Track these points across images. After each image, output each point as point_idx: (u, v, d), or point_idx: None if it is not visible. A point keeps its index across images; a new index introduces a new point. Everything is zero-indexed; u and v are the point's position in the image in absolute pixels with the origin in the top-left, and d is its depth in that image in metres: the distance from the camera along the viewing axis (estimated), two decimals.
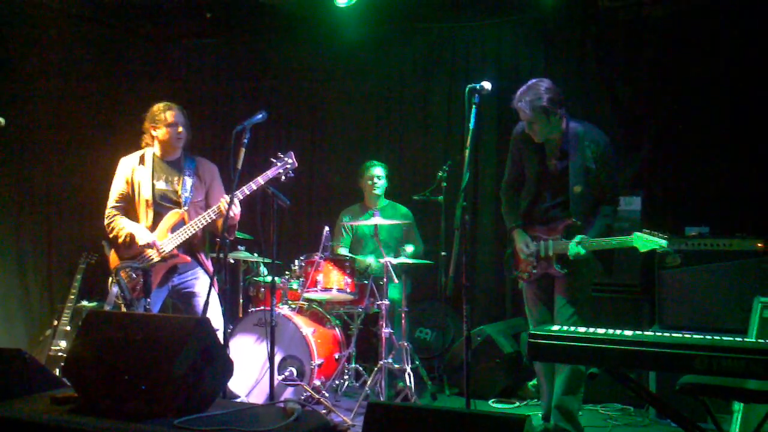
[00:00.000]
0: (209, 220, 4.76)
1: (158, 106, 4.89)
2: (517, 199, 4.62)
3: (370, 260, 5.94)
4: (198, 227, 4.77)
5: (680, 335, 2.79)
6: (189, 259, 4.85)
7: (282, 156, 4.83)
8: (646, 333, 2.85)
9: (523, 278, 4.55)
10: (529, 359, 2.99)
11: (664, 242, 4.04)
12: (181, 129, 4.87)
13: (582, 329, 2.94)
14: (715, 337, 2.74)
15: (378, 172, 6.27)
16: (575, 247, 4.22)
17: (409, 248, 6.07)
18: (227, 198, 4.60)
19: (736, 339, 2.71)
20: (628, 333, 2.84)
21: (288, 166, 4.82)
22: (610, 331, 2.88)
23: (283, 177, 4.82)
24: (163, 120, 4.84)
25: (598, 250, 4.29)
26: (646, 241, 4.07)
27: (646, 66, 6.24)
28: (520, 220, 4.56)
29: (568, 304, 4.35)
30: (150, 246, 4.69)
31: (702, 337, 2.75)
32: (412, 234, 6.31)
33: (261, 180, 4.73)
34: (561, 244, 4.31)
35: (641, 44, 6.25)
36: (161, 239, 4.74)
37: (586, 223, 4.32)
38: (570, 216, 4.33)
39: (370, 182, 6.27)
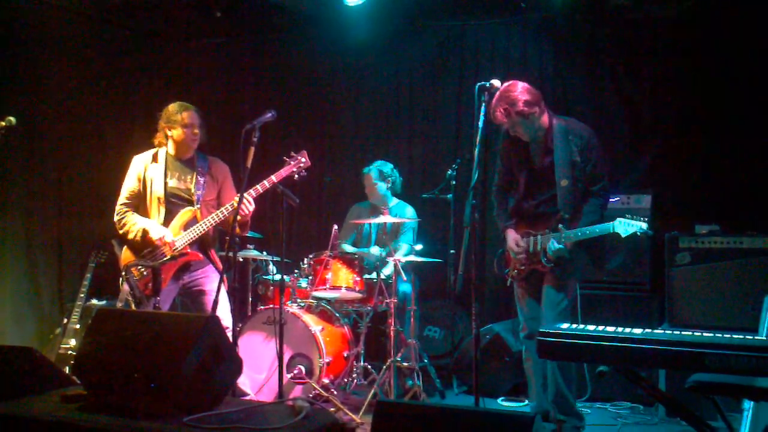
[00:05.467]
0: (222, 218, 4.78)
1: (174, 107, 4.91)
2: (508, 200, 4.70)
3: (373, 250, 5.94)
4: (210, 225, 4.79)
5: (690, 333, 2.78)
6: (201, 256, 4.87)
7: (295, 155, 4.85)
8: (656, 331, 2.84)
9: (513, 276, 4.61)
10: (540, 357, 2.99)
11: (644, 225, 4.14)
12: (197, 130, 4.89)
13: (592, 327, 2.93)
14: (726, 335, 2.72)
15: (368, 180, 6.22)
16: (552, 243, 4.29)
17: (404, 247, 6.05)
18: (244, 196, 4.64)
19: (747, 337, 2.70)
20: (638, 331, 2.83)
21: (301, 165, 4.83)
22: (620, 329, 2.88)
23: (296, 176, 4.84)
24: (180, 121, 4.86)
25: (587, 246, 4.32)
26: (626, 225, 4.16)
27: (656, 64, 6.21)
28: (511, 220, 4.64)
29: (551, 300, 4.40)
30: (163, 241, 4.70)
31: (712, 335, 2.74)
32: (407, 233, 6.26)
33: (274, 178, 4.75)
34: (548, 238, 4.36)
35: (651, 43, 6.22)
36: (174, 236, 4.75)
37: (575, 216, 4.36)
38: (558, 211, 4.37)
39: (366, 187, 6.26)
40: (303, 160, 4.84)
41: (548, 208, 4.45)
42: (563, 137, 4.37)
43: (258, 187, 4.73)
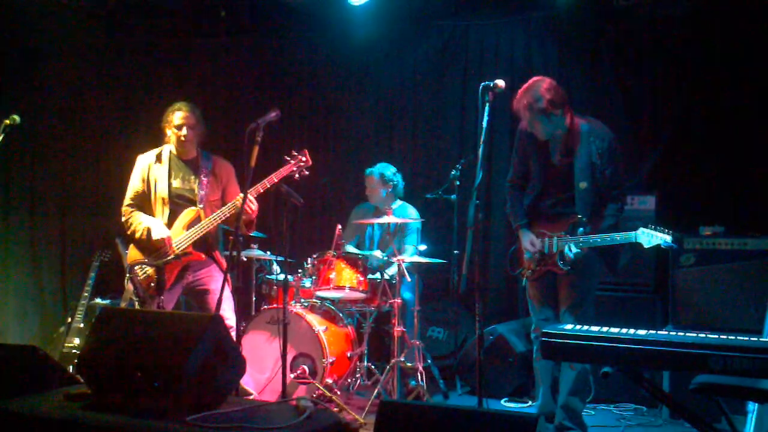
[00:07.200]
0: (223, 217, 4.78)
1: (171, 106, 4.93)
2: (522, 197, 4.61)
3: (377, 253, 5.93)
4: (212, 224, 4.79)
5: (694, 335, 2.77)
6: (204, 256, 4.86)
7: (296, 154, 4.85)
8: (660, 332, 2.84)
9: (527, 275, 4.54)
10: (543, 357, 2.98)
11: (669, 238, 4.05)
12: (185, 132, 4.87)
13: (595, 328, 2.92)
14: (730, 337, 2.71)
15: (369, 181, 6.19)
16: (569, 247, 4.25)
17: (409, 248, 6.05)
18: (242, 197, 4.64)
19: (751, 339, 2.69)
20: (642, 332, 2.82)
21: (301, 164, 4.83)
22: (624, 330, 2.87)
23: (297, 175, 4.84)
24: (171, 122, 4.88)
25: (602, 249, 4.29)
26: (650, 236, 4.08)
27: (660, 64, 6.20)
28: (526, 218, 4.56)
29: (572, 305, 4.35)
30: (164, 241, 4.70)
31: (716, 336, 2.73)
32: (411, 235, 6.24)
33: (275, 178, 4.74)
34: (565, 241, 4.31)
35: (656, 42, 6.21)
36: (177, 236, 4.75)
37: (592, 219, 4.31)
38: (575, 212, 4.32)
39: (367, 188, 6.25)
40: (303, 159, 4.83)
41: (565, 209, 4.39)
42: (585, 138, 4.30)
43: (258, 186, 4.72)
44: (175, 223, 4.80)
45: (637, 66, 6.31)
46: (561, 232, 4.36)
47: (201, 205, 4.86)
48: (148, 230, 4.75)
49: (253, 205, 4.74)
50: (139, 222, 4.81)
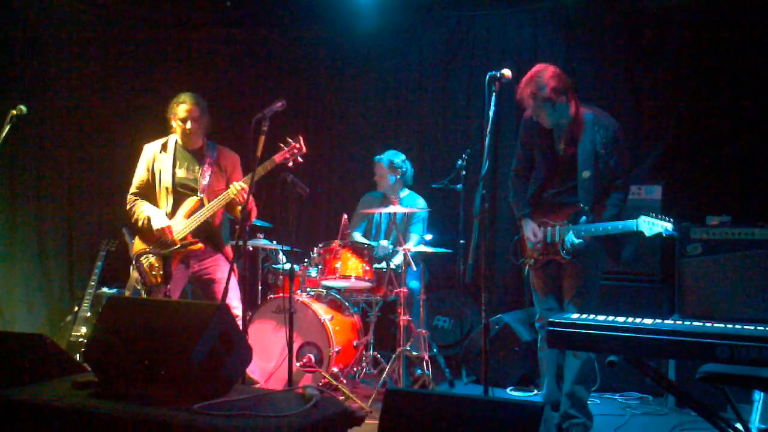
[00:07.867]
0: (220, 205, 4.76)
1: (176, 98, 4.91)
2: (526, 186, 4.59)
3: (383, 242, 5.93)
4: (211, 212, 4.77)
5: (701, 324, 2.77)
6: (210, 245, 4.86)
7: (290, 140, 4.82)
8: (666, 321, 2.83)
9: (530, 264, 4.54)
10: (548, 346, 2.99)
11: (669, 225, 4.06)
12: (189, 126, 4.85)
13: (601, 317, 2.92)
14: (736, 326, 2.71)
15: (378, 168, 6.17)
16: (570, 237, 4.25)
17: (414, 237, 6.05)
18: (236, 184, 4.63)
19: (758, 328, 2.69)
20: (649, 321, 2.82)
21: (296, 150, 4.80)
22: (630, 319, 2.87)
23: (291, 162, 4.81)
24: (175, 114, 4.86)
25: (605, 238, 4.28)
26: (651, 224, 4.08)
27: (667, 54, 6.17)
28: (529, 207, 4.55)
29: (576, 295, 4.34)
30: (164, 231, 4.69)
31: (723, 325, 2.73)
32: (417, 224, 6.24)
33: (268, 166, 4.72)
34: (567, 230, 4.30)
35: (662, 33, 6.19)
36: (178, 225, 4.75)
37: (595, 208, 4.30)
38: (578, 202, 4.31)
39: (376, 175, 6.24)
40: (297, 145, 4.80)
41: (568, 198, 4.38)
42: (589, 128, 4.28)
43: (252, 174, 4.66)
44: (178, 211, 4.80)
45: (643, 55, 6.28)
46: (563, 221, 4.36)
47: (203, 194, 4.85)
48: (149, 219, 4.75)
49: (245, 194, 4.71)
50: (142, 211, 4.82)
